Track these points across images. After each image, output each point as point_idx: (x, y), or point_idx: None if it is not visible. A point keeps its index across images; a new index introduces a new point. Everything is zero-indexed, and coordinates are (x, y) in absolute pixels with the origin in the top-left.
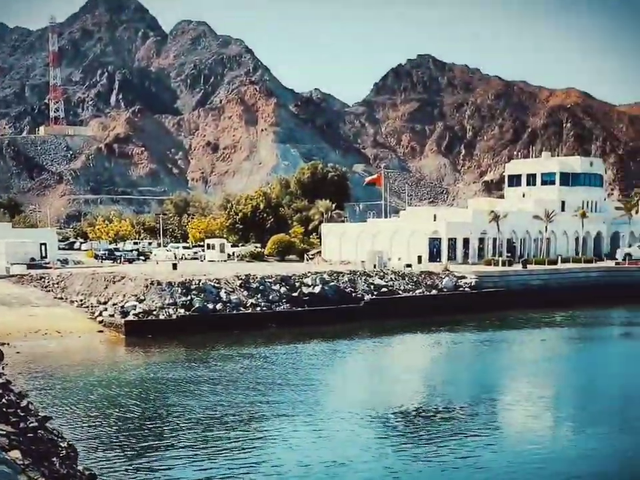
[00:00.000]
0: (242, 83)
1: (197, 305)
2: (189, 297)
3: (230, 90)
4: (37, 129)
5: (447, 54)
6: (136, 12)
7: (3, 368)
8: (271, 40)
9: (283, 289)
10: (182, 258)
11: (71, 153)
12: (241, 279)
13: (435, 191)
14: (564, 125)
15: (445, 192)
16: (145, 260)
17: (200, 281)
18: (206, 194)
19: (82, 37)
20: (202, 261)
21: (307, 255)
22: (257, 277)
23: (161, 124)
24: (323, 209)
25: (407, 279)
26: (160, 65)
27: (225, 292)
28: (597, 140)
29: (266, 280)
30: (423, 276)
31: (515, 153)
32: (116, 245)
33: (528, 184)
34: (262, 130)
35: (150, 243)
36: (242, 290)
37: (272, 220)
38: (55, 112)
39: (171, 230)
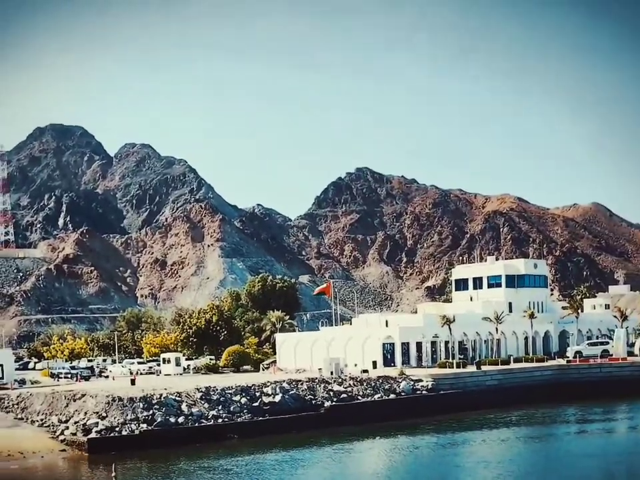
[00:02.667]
0: (187, 201)
1: (159, 420)
2: (150, 412)
3: (175, 208)
4: None
5: (384, 166)
6: (81, 137)
7: None
8: (212, 158)
9: (243, 400)
10: (138, 373)
11: (21, 274)
12: (202, 391)
13: (379, 298)
14: (501, 230)
15: (389, 298)
16: (102, 377)
17: (161, 395)
18: (156, 309)
19: (30, 163)
20: (158, 375)
21: (263, 365)
22: (217, 389)
23: (109, 243)
24: (274, 319)
25: (364, 384)
26: (106, 186)
27: (187, 405)
28: (533, 242)
29: (226, 391)
30: (380, 381)
31: (455, 258)
32: (71, 362)
33: (475, 287)
34: (208, 245)
35: (104, 360)
36: (203, 402)
37: (225, 332)
38: (4, 236)
39: (124, 346)
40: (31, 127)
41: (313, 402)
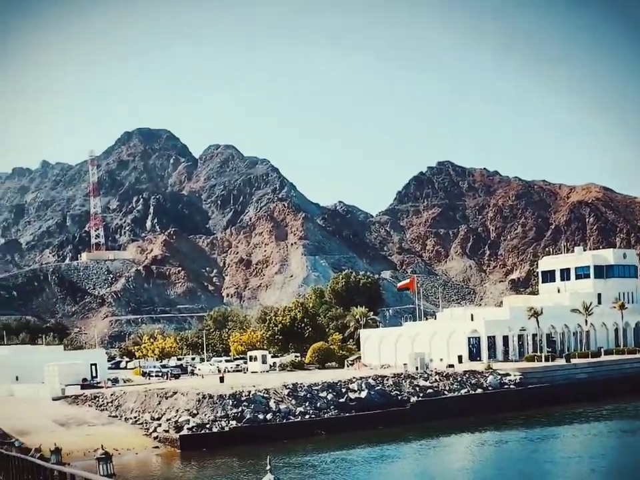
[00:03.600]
0: (270, 200)
1: (247, 416)
2: (239, 409)
3: (259, 208)
4: (78, 256)
5: (466, 159)
6: (167, 140)
7: None
8: (294, 157)
9: (329, 396)
10: (225, 371)
11: (112, 276)
12: (289, 387)
13: (462, 292)
14: (587, 220)
15: (472, 292)
16: (192, 375)
17: (249, 392)
18: (242, 308)
19: (118, 167)
20: (245, 372)
21: (347, 361)
22: (304, 385)
23: (195, 244)
24: (358, 316)
25: (451, 379)
26: (191, 188)
27: (274, 401)
28: (620, 232)
29: (313, 388)
30: (466, 375)
31: (540, 250)
32: (161, 361)
33: (562, 279)
34: (292, 244)
35: (193, 358)
36: (290, 399)
37: (310, 329)
38: (95, 239)
39: (212, 344)
40: (119, 131)
41: (399, 397)
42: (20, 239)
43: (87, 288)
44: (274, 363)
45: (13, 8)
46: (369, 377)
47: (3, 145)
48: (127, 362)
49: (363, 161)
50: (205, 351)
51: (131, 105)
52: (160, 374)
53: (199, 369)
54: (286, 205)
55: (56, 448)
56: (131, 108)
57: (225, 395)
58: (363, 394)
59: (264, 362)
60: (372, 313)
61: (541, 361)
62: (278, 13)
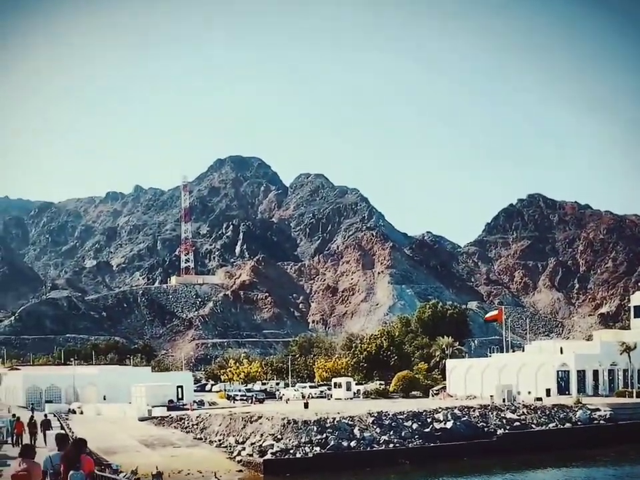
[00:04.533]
0: (358, 229)
1: (332, 443)
2: (324, 435)
3: (347, 236)
4: (168, 279)
5: (557, 192)
6: (259, 168)
7: None
8: (383, 187)
9: (414, 425)
10: (310, 396)
11: (200, 300)
12: (374, 415)
13: (549, 325)
14: None
15: (559, 325)
16: (278, 399)
17: (334, 418)
18: (327, 335)
19: (210, 194)
20: (329, 399)
21: (432, 391)
22: (389, 414)
23: (283, 271)
24: (444, 346)
25: (539, 412)
26: (281, 216)
27: (359, 429)
28: None
29: (398, 416)
30: (555, 409)
31: (631, 284)
32: (246, 385)
33: None
34: (378, 273)
35: (278, 383)
36: (375, 427)
37: (395, 357)
38: (185, 262)
39: (297, 370)
40: (212, 158)
41: (485, 429)
42: (111, 261)
43: (175, 311)
44: (358, 390)
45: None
46: (455, 407)
47: (98, 170)
48: (212, 385)
49: (453, 192)
50: (289, 377)
51: (224, 131)
52: (245, 398)
53: (284, 394)
54: (374, 234)
55: (158, 472)
56: (224, 135)
57: (310, 421)
58: (449, 424)
59: (348, 389)
60: (458, 343)
61: (632, 396)
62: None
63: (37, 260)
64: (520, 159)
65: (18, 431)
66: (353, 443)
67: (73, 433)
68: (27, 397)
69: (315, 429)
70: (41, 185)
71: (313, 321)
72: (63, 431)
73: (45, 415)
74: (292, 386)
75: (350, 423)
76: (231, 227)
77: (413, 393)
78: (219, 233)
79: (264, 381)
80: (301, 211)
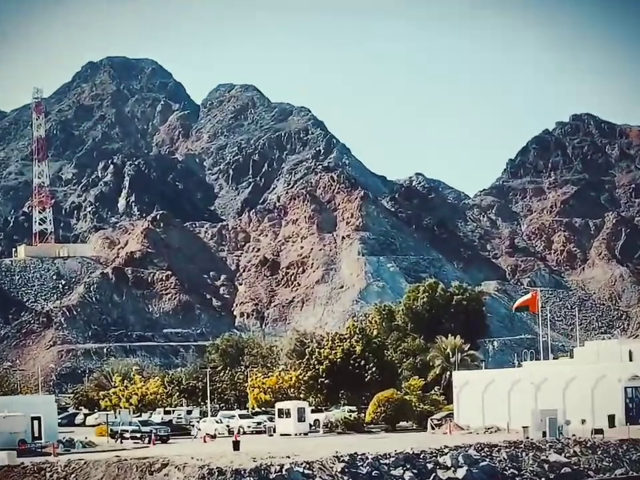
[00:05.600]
0: (310, 170)
1: None
2: None
3: (293, 181)
4: (13, 250)
5: (617, 111)
6: (153, 76)
7: None
8: (348, 106)
9: (407, 475)
10: (241, 432)
11: (64, 282)
12: (344, 460)
13: (609, 316)
14: None
15: (624, 316)
16: (193, 436)
17: (281, 466)
18: (264, 335)
19: (76, 116)
20: (271, 435)
21: (432, 421)
22: (366, 458)
23: (194, 236)
24: (448, 350)
25: (599, 451)
26: (189, 150)
27: None
28: None
29: (381, 461)
30: (624, 447)
31: None
32: (140, 415)
33: None
34: (343, 237)
35: (190, 412)
36: (346, 477)
37: (374, 369)
38: (39, 224)
39: (219, 390)
40: (80, 62)
41: (517, 479)
42: None
43: (24, 300)
44: (316, 420)
45: None
46: (469, 445)
47: None
48: (85, 415)
49: (454, 115)
50: (207, 401)
51: (98, 23)
52: (138, 435)
53: (200, 428)
54: (335, 178)
55: None
56: (99, 28)
57: (244, 471)
58: (460, 473)
59: (301, 419)
60: (469, 345)
61: None
62: None
63: None
64: (559, 65)
65: None
66: None
67: None
68: None
69: None
70: None
71: (242, 314)
72: None
73: None
74: (212, 415)
75: (307, 472)
76: (111, 167)
77: (402, 423)
78: (92, 177)
79: (168, 408)
80: (221, 142)
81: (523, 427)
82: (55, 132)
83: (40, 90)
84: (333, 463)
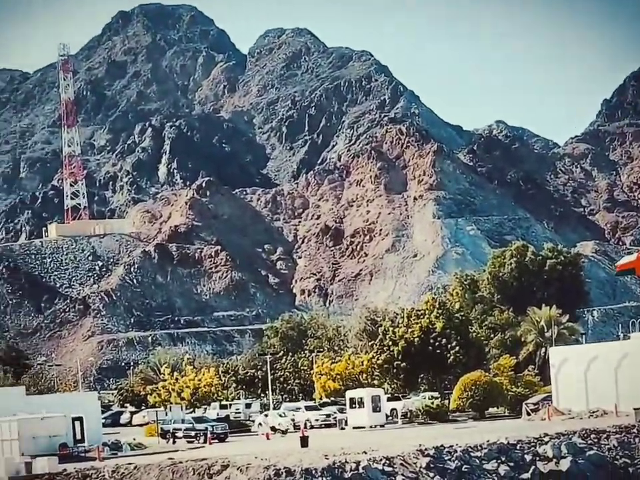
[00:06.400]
0: (375, 122)
1: None
2: None
3: (355, 137)
4: (43, 230)
5: None
6: (193, 24)
7: None
8: (416, 48)
9: (502, 469)
10: (308, 426)
11: (100, 264)
12: (429, 454)
13: None
14: None
15: None
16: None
17: (358, 463)
18: (328, 315)
19: (108, 74)
20: (343, 428)
21: (527, 405)
22: (454, 450)
23: (245, 204)
24: (542, 322)
25: None
26: (236, 106)
27: (404, 479)
28: None
29: (472, 454)
30: None
31: None
32: (193, 411)
33: None
34: (414, 199)
35: (249, 405)
36: (432, 474)
37: (457, 348)
38: (71, 199)
39: (281, 380)
40: (110, 12)
41: (630, 469)
42: None
43: (57, 286)
44: (393, 410)
45: None
46: (572, 432)
47: None
48: (131, 413)
49: (538, 53)
50: (268, 392)
51: None
52: (193, 433)
53: (261, 423)
54: (403, 131)
55: None
56: None
57: (315, 470)
58: (564, 465)
59: (376, 409)
60: (567, 316)
61: None
62: None
63: None
64: None
65: None
66: None
67: None
68: None
69: None
70: None
71: (303, 291)
72: None
73: None
74: (274, 408)
75: (387, 469)
76: (149, 131)
77: (492, 410)
78: (128, 143)
79: (224, 402)
80: (272, 95)
81: (635, 409)
82: (84, 93)
83: (66, 46)
84: (417, 458)
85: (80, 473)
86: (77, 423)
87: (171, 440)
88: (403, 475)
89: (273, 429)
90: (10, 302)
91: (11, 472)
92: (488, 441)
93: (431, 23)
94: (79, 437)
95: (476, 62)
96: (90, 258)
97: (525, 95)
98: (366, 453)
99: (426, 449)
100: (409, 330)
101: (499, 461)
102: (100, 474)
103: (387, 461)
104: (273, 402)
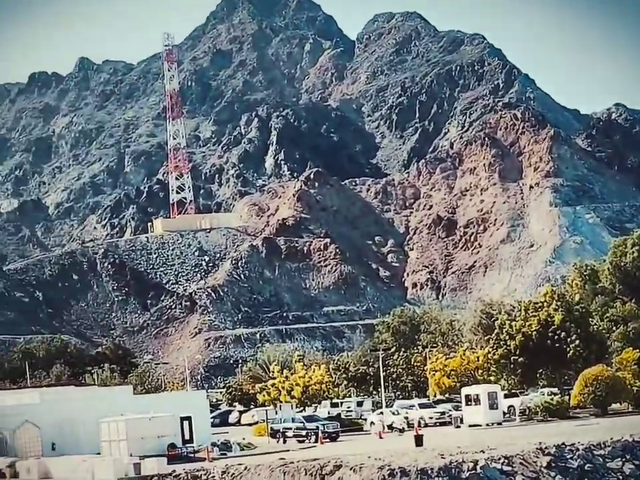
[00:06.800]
0: (488, 108)
1: None
2: None
3: (468, 124)
4: (148, 225)
5: None
6: (299, 11)
7: None
8: (530, 30)
9: (627, 467)
10: (422, 424)
11: (207, 259)
12: (549, 453)
13: None
14: None
15: None
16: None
17: (476, 463)
18: (440, 308)
19: (213, 64)
20: (458, 426)
21: None
22: (576, 449)
23: (354, 195)
24: None
25: None
26: (344, 94)
27: (524, 479)
28: None
29: (595, 452)
30: None
31: None
32: (303, 409)
33: None
34: (531, 187)
35: (360, 403)
36: (553, 474)
37: (577, 342)
38: (177, 193)
39: (393, 376)
40: (214, 0)
41: None
42: (45, 198)
43: (163, 282)
44: (510, 407)
45: None
46: None
47: (13, 36)
48: (240, 412)
49: None
50: (380, 389)
51: None
52: (303, 433)
53: (374, 422)
54: (518, 116)
55: None
56: None
57: (431, 470)
58: None
59: (493, 406)
60: None
61: None
62: None
63: None
64: None
65: None
66: None
67: None
68: None
69: None
70: None
71: (415, 284)
72: None
73: None
74: (387, 406)
75: (506, 468)
76: (255, 121)
77: (615, 406)
78: (234, 134)
79: (335, 400)
80: (381, 82)
81: None
82: (189, 84)
83: (171, 36)
84: (537, 457)
85: (189, 474)
86: (186, 423)
87: (281, 439)
88: (522, 474)
89: (389, 427)
90: (116, 299)
91: (120, 473)
92: (611, 439)
93: (545, 3)
94: (187, 437)
95: (592, 40)
96: (196, 253)
97: None
98: (483, 451)
99: (546, 448)
100: (527, 323)
101: (624, 460)
102: (210, 475)
103: (506, 460)
104: (385, 400)
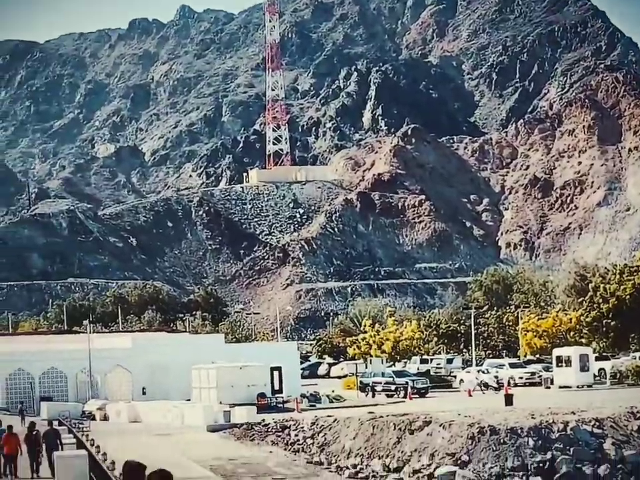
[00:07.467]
0: (589, 70)
1: (563, 469)
2: (547, 455)
3: (569, 85)
4: (244, 175)
5: None
6: None
7: None
8: None
9: None
10: (512, 383)
11: (301, 211)
12: None
13: None
14: None
15: None
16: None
17: (566, 423)
18: (534, 269)
19: (314, 16)
20: (548, 387)
21: None
22: None
23: (451, 153)
24: None
25: None
26: (445, 51)
27: (613, 442)
28: None
29: None
30: None
31: None
32: (393, 364)
33: None
34: (629, 150)
35: (450, 360)
36: None
37: None
38: (273, 144)
39: (484, 335)
40: None
41: None
42: (142, 145)
43: (257, 233)
44: (601, 370)
45: None
46: None
47: None
48: (330, 365)
49: None
50: (471, 347)
51: None
52: (393, 387)
53: (463, 380)
54: (620, 79)
55: None
56: None
57: (521, 429)
58: None
59: (584, 368)
60: None
61: None
62: None
63: (11, 147)
64: None
65: (9, 450)
66: (601, 469)
67: (104, 455)
68: (8, 391)
69: (532, 443)
70: (17, 16)
71: (509, 244)
72: (133, 460)
73: (50, 423)
74: (477, 364)
75: (596, 430)
76: (354, 75)
77: None
78: (333, 87)
79: (425, 357)
80: (482, 40)
81: None
82: (289, 36)
83: None
84: (628, 420)
85: (278, 424)
86: (276, 373)
87: (370, 393)
88: (613, 437)
89: (480, 385)
90: (209, 248)
91: (209, 420)
92: None
93: None
94: (277, 387)
95: None
96: (291, 205)
97: None
98: (574, 413)
99: (638, 412)
100: (621, 287)
101: None
102: (299, 426)
103: (597, 423)
104: (475, 358)
